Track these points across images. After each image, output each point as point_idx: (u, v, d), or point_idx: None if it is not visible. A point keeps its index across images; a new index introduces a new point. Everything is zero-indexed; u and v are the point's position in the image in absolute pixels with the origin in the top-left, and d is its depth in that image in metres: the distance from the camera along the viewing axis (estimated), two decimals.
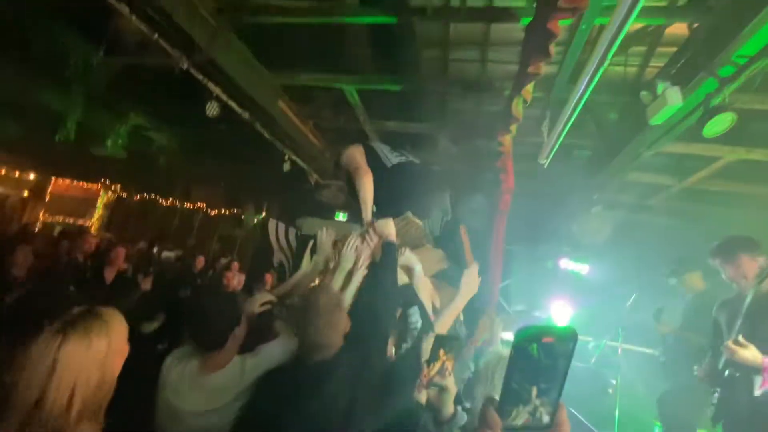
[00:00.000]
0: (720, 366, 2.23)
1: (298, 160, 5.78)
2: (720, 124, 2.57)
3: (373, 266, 1.87)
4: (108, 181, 8.68)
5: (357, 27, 3.79)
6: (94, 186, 8.89)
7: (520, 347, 0.51)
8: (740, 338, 2.05)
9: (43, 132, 5.44)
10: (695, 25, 2.64)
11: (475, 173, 4.82)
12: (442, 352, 1.35)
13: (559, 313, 4.92)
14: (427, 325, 1.77)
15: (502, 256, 4.27)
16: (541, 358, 0.49)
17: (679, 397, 3.20)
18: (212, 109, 3.98)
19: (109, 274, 3.52)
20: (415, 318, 1.77)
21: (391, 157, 2.20)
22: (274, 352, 1.57)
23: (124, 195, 9.01)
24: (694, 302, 3.35)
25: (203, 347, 1.56)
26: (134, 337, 1.13)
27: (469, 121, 5.20)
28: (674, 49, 3.36)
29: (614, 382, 4.24)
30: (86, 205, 9.07)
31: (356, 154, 2.21)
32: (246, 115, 4.40)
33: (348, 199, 2.56)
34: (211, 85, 3.84)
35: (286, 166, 5.70)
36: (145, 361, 1.47)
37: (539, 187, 4.87)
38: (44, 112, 5.17)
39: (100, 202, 8.87)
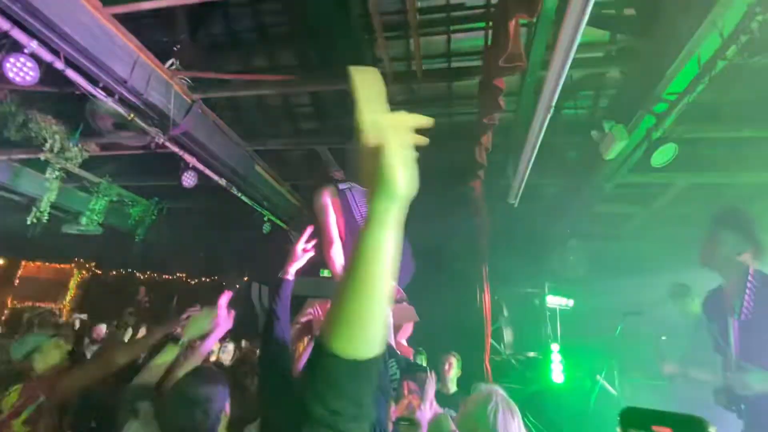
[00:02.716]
0: None
1: (278, 221, 5.82)
2: (665, 154, 2.79)
3: None
4: (81, 260, 8.42)
5: (325, 92, 4.06)
6: (66, 266, 8.60)
7: None
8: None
9: (13, 215, 5.36)
10: (624, 71, 2.95)
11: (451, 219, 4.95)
12: (407, 389, 1.31)
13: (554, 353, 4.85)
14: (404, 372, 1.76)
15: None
16: None
17: None
18: (189, 179, 4.05)
19: None
20: (394, 369, 1.74)
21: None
22: None
23: (99, 273, 8.73)
24: (695, 331, 2.98)
25: None
26: None
27: (440, 170, 5.43)
28: (615, 91, 3.72)
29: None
30: (58, 286, 8.71)
31: (326, 208, 2.13)
32: (223, 181, 4.48)
33: None
34: (187, 156, 3.94)
35: (266, 228, 5.72)
36: None
37: (515, 227, 5.02)
38: (14, 195, 5.15)
39: (73, 283, 8.54)
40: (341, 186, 2.13)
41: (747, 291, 1.98)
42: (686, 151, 3.18)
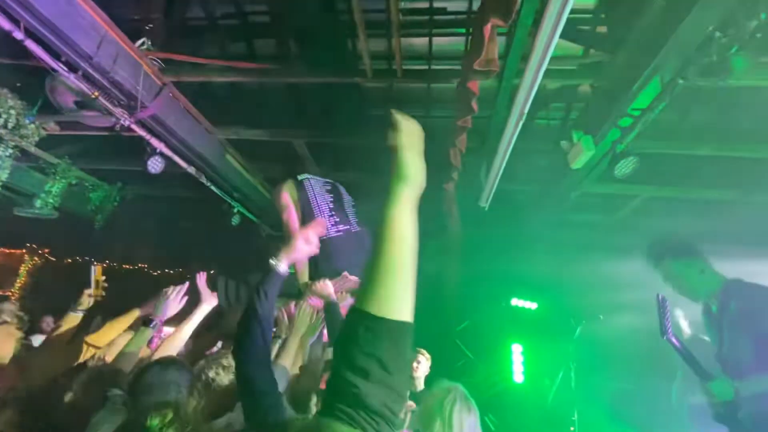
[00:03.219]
0: None
1: (248, 213, 5.68)
2: (626, 166, 2.93)
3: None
4: (34, 245, 7.93)
5: (305, 84, 4.00)
6: (17, 251, 8.08)
7: None
8: None
9: None
10: (595, 85, 3.08)
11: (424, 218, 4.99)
12: None
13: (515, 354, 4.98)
14: None
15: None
16: None
17: None
18: (155, 165, 3.89)
19: None
20: None
21: (327, 219, 2.21)
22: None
23: (53, 259, 8.24)
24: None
25: None
26: None
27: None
28: (584, 103, 3.86)
29: (574, 418, 4.26)
30: (7, 272, 8.17)
31: (289, 208, 2.25)
32: (191, 169, 4.33)
33: None
34: (155, 141, 3.79)
35: (235, 220, 5.57)
36: None
37: (484, 229, 5.12)
38: None
39: (24, 269, 8.03)
40: (300, 177, 2.24)
41: (664, 312, 2.13)
42: (648, 165, 3.35)
